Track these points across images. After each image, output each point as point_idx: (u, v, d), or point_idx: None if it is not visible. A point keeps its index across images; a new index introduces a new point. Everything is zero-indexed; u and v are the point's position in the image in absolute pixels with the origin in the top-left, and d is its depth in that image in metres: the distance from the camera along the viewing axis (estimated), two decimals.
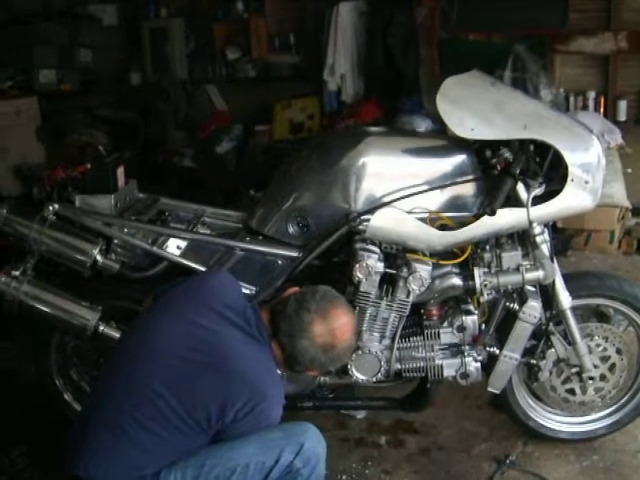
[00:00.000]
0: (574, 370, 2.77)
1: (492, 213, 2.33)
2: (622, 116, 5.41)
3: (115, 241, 2.74)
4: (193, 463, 2.03)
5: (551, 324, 2.67)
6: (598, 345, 2.79)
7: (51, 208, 2.68)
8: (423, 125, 5.24)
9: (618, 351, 2.80)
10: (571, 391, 2.83)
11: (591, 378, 2.78)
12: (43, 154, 6.40)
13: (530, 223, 2.42)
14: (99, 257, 2.68)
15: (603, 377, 2.81)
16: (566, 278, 2.71)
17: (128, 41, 7.50)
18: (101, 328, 2.68)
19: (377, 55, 6.04)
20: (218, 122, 7.09)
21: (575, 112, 5.36)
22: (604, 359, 2.80)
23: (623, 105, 5.40)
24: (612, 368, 2.82)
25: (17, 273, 2.67)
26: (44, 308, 2.67)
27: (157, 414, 1.99)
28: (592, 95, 5.46)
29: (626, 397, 2.94)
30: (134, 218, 2.78)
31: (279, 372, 2.24)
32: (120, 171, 2.88)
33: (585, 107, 5.49)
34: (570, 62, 5.56)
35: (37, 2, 7.04)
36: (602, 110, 5.46)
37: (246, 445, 2.03)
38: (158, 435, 2.00)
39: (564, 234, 5.06)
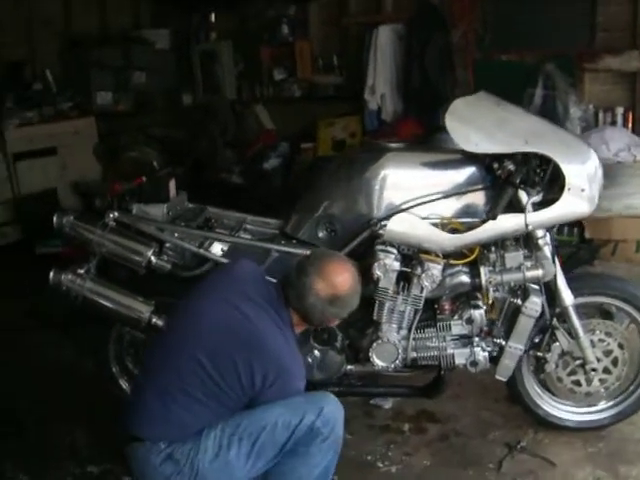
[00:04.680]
0: (578, 362, 3.04)
1: (494, 218, 2.65)
2: None
3: (167, 244, 3.11)
4: (231, 423, 2.39)
5: (555, 319, 2.95)
6: (601, 340, 3.05)
7: (111, 215, 3.08)
8: None
9: (620, 346, 3.06)
10: (577, 382, 3.10)
11: (594, 370, 3.03)
12: (99, 171, 6.83)
13: (527, 226, 2.70)
14: (153, 258, 3.05)
15: (607, 370, 3.07)
16: (571, 278, 3.00)
17: (179, 64, 7.94)
18: (154, 320, 3.04)
19: (414, 76, 6.37)
20: (266, 140, 7.46)
21: (603, 127, 5.60)
22: (607, 353, 3.06)
23: None
24: (615, 362, 3.07)
25: (82, 271, 3.07)
26: (104, 302, 3.07)
27: (200, 382, 2.36)
28: (620, 111, 5.68)
29: (629, 389, 3.18)
30: (184, 224, 3.15)
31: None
32: (172, 184, 3.27)
33: (614, 122, 5.70)
34: (599, 79, 5.78)
35: (94, 27, 7.55)
36: (630, 125, 5.68)
37: (275, 407, 2.37)
38: (200, 401, 2.37)
39: (591, 244, 5.28)
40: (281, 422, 2.36)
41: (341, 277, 2.48)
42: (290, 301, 2.50)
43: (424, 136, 6.08)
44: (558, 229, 5.25)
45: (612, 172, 5.22)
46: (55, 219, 3.14)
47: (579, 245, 5.27)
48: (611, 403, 3.21)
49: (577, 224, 5.38)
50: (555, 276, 2.85)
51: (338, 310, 2.52)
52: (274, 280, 2.88)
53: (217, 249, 3.06)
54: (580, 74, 5.75)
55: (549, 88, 5.69)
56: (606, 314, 3.14)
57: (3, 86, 6.65)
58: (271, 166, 7.20)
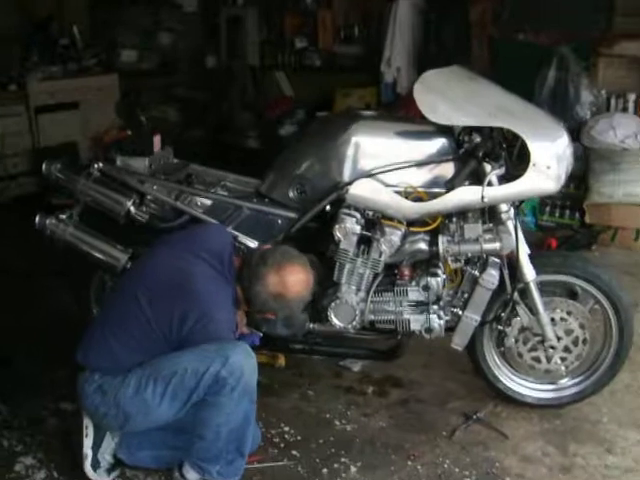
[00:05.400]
0: (537, 339, 3.08)
1: (452, 189, 2.70)
2: None
3: (148, 196, 3.21)
4: (152, 364, 2.54)
5: (517, 294, 2.99)
6: (563, 319, 3.09)
7: (96, 166, 3.20)
8: None
9: (581, 326, 3.09)
10: (536, 359, 3.14)
11: (552, 347, 3.08)
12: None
13: (482, 199, 2.74)
14: (132, 208, 3.17)
15: (567, 349, 3.11)
16: (538, 256, 3.04)
17: (206, 27, 8.02)
18: (129, 267, 3.16)
19: (431, 50, 6.38)
20: (283, 106, 7.54)
21: (613, 113, 5.56)
22: (568, 332, 3.10)
23: None
24: (576, 341, 3.11)
25: (64, 217, 3.20)
26: (84, 247, 3.20)
27: (135, 319, 2.53)
28: (632, 97, 5.61)
29: (591, 369, 3.21)
30: (163, 178, 3.25)
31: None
32: (157, 138, 3.36)
33: (625, 109, 5.64)
34: (613, 65, 5.71)
35: None
36: None
37: (188, 354, 2.50)
38: (135, 337, 2.54)
39: (590, 229, 5.29)
40: (190, 369, 2.47)
41: (294, 278, 2.59)
42: (241, 278, 2.61)
43: None
44: (560, 212, 5.37)
45: (616, 158, 5.24)
46: (44, 167, 3.28)
47: (577, 229, 5.29)
48: (572, 382, 3.24)
49: (578, 208, 5.40)
50: (517, 251, 2.89)
51: (278, 308, 2.65)
52: (246, 238, 3.00)
53: (193, 203, 3.16)
54: (595, 59, 5.69)
55: (562, 71, 5.65)
56: (573, 294, 3.17)
57: (30, 40, 6.79)
58: (286, 132, 7.26)
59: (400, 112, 6.41)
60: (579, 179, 5.43)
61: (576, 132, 5.42)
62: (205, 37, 8.07)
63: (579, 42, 5.69)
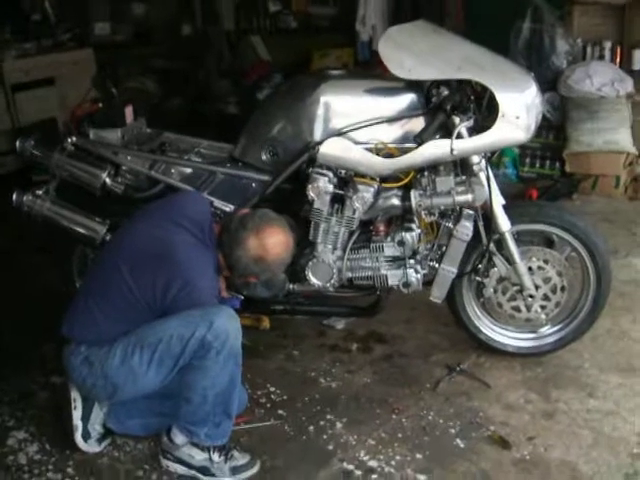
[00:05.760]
0: (516, 288, 3.12)
1: (421, 143, 2.71)
2: (637, 65, 5.54)
3: (123, 167, 3.21)
4: (137, 333, 2.56)
5: (493, 245, 3.02)
6: (540, 267, 3.11)
7: (69, 139, 3.20)
8: None
9: (559, 273, 3.12)
10: (516, 308, 3.18)
11: (531, 296, 3.11)
12: None
13: (452, 152, 2.75)
14: (107, 180, 3.17)
15: (546, 297, 3.15)
16: (512, 206, 3.06)
17: None
18: (108, 238, 3.17)
19: (405, 6, 6.35)
20: (260, 71, 7.49)
21: (589, 61, 5.55)
22: (546, 280, 3.13)
23: (638, 54, 5.52)
24: (554, 289, 3.14)
25: (40, 192, 3.21)
26: (62, 221, 3.21)
27: (118, 290, 2.54)
28: (608, 45, 5.60)
29: (570, 316, 3.25)
30: (136, 148, 3.24)
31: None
32: (128, 109, 3.35)
33: (601, 57, 5.63)
34: (588, 12, 5.68)
35: None
36: (618, 60, 5.61)
37: (173, 320, 2.52)
38: (118, 307, 2.56)
39: (570, 178, 5.31)
40: (176, 335, 2.49)
41: (274, 240, 2.60)
42: (222, 244, 2.62)
43: None
44: (540, 163, 5.38)
45: (594, 107, 5.25)
46: (18, 144, 3.28)
47: (557, 178, 5.31)
48: (552, 330, 3.28)
49: (558, 158, 5.42)
50: (491, 202, 2.90)
51: (259, 271, 2.66)
52: (221, 203, 3.02)
53: (168, 171, 3.16)
54: (570, 7, 5.67)
55: (537, 22, 5.62)
56: (550, 243, 3.20)
57: (1, 17, 6.70)
58: (264, 97, 7.21)
59: (376, 70, 6.47)
60: (558, 129, 5.45)
61: (553, 82, 5.43)
62: (179, 5, 7.98)
63: None
